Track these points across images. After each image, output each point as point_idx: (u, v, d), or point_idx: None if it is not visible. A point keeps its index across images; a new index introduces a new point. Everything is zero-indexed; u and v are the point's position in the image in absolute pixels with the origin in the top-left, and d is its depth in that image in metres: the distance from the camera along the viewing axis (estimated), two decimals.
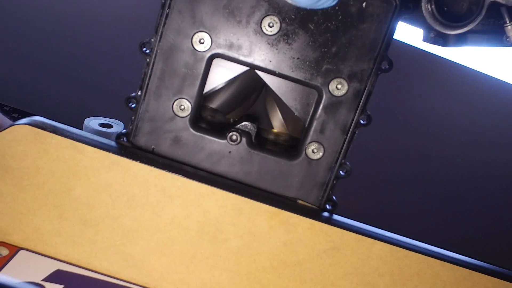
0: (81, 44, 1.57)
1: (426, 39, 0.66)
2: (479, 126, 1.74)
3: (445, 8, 0.56)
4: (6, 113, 1.66)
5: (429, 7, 0.55)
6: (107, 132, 0.97)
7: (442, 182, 1.78)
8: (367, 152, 1.48)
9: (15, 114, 1.62)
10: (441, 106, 1.72)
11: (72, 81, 1.62)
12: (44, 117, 0.55)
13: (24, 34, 1.56)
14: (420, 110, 1.72)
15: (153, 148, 0.56)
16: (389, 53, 0.55)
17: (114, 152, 0.54)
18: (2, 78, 1.59)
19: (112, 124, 1.00)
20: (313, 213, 0.57)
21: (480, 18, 0.56)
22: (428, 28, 0.61)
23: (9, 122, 0.54)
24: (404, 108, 1.69)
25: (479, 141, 1.75)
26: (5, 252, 0.55)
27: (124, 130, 0.57)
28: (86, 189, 0.54)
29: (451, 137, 1.75)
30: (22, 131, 0.53)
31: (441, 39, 0.63)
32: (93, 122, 0.98)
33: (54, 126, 0.54)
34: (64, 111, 1.61)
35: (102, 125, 0.99)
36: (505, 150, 1.75)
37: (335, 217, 0.58)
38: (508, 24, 0.59)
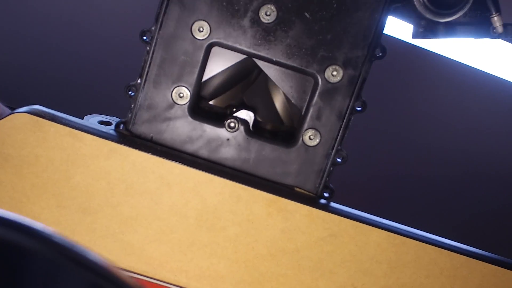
0: (79, 41, 1.54)
1: (415, 35, 0.63)
2: (474, 118, 1.70)
3: None
4: None
5: None
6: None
7: (437, 174, 1.74)
8: (364, 144, 1.43)
9: None
10: (437, 99, 1.68)
11: (72, 78, 1.58)
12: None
13: (22, 32, 1.53)
14: (417, 103, 1.69)
15: (152, 136, 0.53)
16: (389, 51, 0.53)
17: (112, 140, 0.50)
18: (2, 79, 1.55)
19: (112, 121, 0.96)
20: (311, 200, 0.53)
21: (468, 5, 0.54)
22: (417, 19, 0.58)
23: (8, 111, 0.51)
24: (401, 101, 1.66)
25: (474, 132, 1.71)
26: None
27: (123, 119, 0.53)
28: (85, 177, 0.51)
29: (448, 129, 1.70)
30: (21, 119, 0.49)
31: (430, 32, 0.60)
32: (92, 120, 0.94)
33: (53, 114, 0.50)
34: (63, 108, 1.58)
35: (101, 122, 0.95)
36: (502, 141, 1.71)
37: (333, 204, 0.54)
38: (494, 15, 0.57)
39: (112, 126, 0.95)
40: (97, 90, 1.59)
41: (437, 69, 1.64)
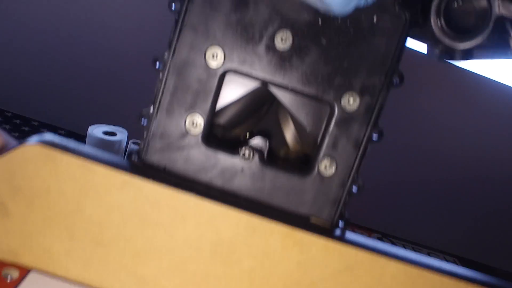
0: (86, 51, 1.52)
1: (431, 55, 0.61)
2: (477, 124, 1.66)
3: (453, 23, 0.52)
4: (9, 119, 1.60)
5: (438, 22, 0.51)
6: (111, 140, 0.90)
7: (451, 188, 1.71)
8: (377, 158, 1.40)
9: (17, 120, 1.56)
10: (449, 112, 1.65)
11: (76, 88, 1.56)
12: (52, 132, 0.50)
13: (28, 39, 1.51)
14: (429, 115, 1.66)
15: (165, 166, 0.51)
16: (405, 62, 0.51)
17: (125, 172, 0.49)
18: (5, 84, 1.53)
19: (116, 132, 0.94)
20: (327, 232, 0.51)
21: (488, 31, 0.52)
22: (435, 43, 0.56)
23: (14, 141, 0.49)
24: (413, 114, 1.63)
25: (489, 146, 1.68)
26: (15, 274, 0.50)
27: (136, 148, 0.52)
28: (98, 209, 0.49)
29: (462, 143, 1.67)
30: (32, 151, 0.48)
31: (447, 54, 0.58)
32: (97, 130, 0.92)
33: (65, 146, 0.49)
34: (68, 118, 1.56)
35: (106, 133, 0.93)
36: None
37: (348, 235, 0.52)
38: None
39: (117, 137, 0.92)
40: (102, 99, 1.57)
41: (439, 74, 1.62)
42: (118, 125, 1.13)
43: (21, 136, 1.55)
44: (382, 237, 1.74)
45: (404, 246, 1.72)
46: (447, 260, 1.72)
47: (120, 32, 1.50)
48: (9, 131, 1.53)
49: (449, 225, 1.79)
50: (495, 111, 1.65)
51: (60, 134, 1.64)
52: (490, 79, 1.56)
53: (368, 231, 1.73)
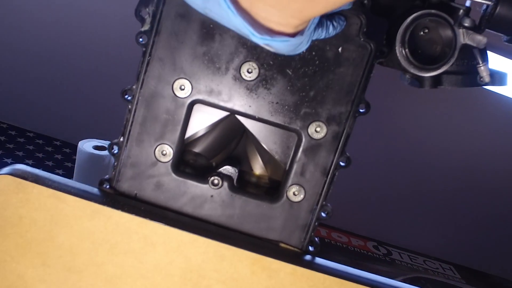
0: (81, 66, 1.53)
1: (403, 80, 0.61)
2: (478, 135, 1.66)
3: (419, 51, 0.52)
4: (4, 130, 1.62)
5: (403, 51, 0.51)
6: (101, 155, 0.91)
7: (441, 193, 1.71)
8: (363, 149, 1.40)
9: (13, 131, 1.57)
10: (446, 121, 1.65)
11: (71, 100, 1.57)
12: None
13: (24, 53, 1.52)
14: (426, 125, 1.66)
15: (136, 194, 0.52)
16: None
17: (96, 201, 0.49)
18: (0, 96, 1.54)
19: (106, 146, 0.94)
20: (295, 258, 0.52)
21: (452, 60, 0.52)
22: (403, 70, 0.56)
23: None
24: (402, 117, 1.62)
25: (478, 150, 1.68)
26: None
27: (107, 176, 0.52)
28: (69, 237, 0.50)
29: (451, 148, 1.67)
30: (3, 181, 0.48)
31: (417, 81, 0.58)
32: (87, 145, 0.92)
33: (36, 175, 0.49)
34: (62, 129, 1.57)
35: (96, 147, 0.94)
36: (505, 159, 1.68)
37: (318, 260, 0.53)
38: (481, 65, 0.55)
39: (107, 152, 0.93)
40: (95, 112, 1.58)
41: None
42: (108, 140, 1.14)
43: (16, 147, 1.56)
44: (378, 245, 1.74)
45: (400, 254, 1.72)
46: (443, 268, 1.72)
47: (114, 49, 1.52)
48: (4, 142, 1.54)
49: (445, 233, 1.79)
50: (491, 119, 1.65)
51: (55, 145, 1.65)
52: (485, 89, 1.56)
53: (364, 239, 1.73)
